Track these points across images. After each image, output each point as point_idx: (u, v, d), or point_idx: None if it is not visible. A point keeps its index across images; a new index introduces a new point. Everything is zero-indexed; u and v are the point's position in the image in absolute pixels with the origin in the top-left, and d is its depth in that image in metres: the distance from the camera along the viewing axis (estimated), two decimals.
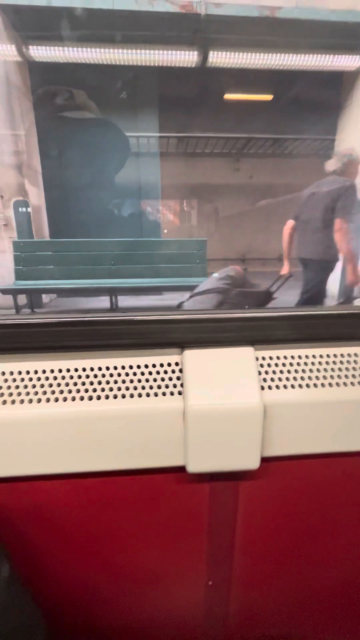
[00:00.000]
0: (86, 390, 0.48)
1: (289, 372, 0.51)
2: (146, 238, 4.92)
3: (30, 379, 0.48)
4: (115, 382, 0.49)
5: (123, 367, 0.50)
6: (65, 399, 0.47)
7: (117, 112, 4.88)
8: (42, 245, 3.88)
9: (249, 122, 6.34)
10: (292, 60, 4.31)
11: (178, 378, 0.50)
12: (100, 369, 0.50)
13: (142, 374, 0.50)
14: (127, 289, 3.96)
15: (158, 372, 0.50)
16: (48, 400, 0.47)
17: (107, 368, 0.50)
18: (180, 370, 0.51)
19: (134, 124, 4.95)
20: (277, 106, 6.05)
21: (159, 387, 0.49)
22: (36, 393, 0.47)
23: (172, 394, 0.49)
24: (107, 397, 0.48)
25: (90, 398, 0.47)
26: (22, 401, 0.46)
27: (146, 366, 0.51)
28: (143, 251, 3.90)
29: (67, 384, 0.48)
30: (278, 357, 0.53)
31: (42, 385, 0.48)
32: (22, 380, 0.48)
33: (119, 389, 0.49)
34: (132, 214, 5.58)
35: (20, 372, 0.49)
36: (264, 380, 0.50)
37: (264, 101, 6.03)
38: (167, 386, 0.49)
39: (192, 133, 6.41)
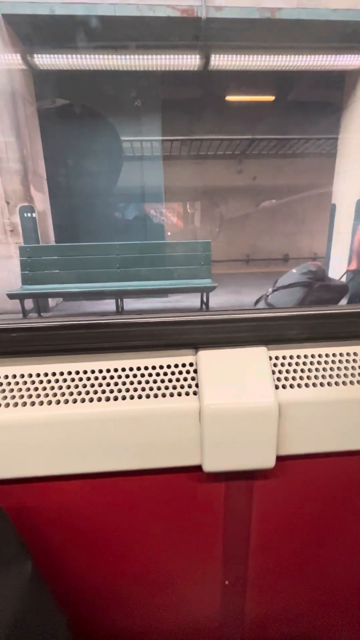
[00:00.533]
0: (103, 392, 0.49)
1: (302, 371, 0.52)
2: (150, 241, 4.94)
3: (49, 381, 0.50)
4: (132, 383, 0.50)
5: (138, 368, 0.51)
6: (83, 400, 0.48)
7: (121, 117, 4.93)
8: (48, 250, 3.93)
9: (251, 124, 6.36)
10: (294, 60, 4.32)
11: (193, 379, 0.51)
12: (116, 370, 0.51)
13: (158, 374, 0.51)
14: (133, 291, 3.98)
15: (173, 373, 0.51)
16: (67, 401, 0.48)
17: (123, 369, 0.51)
18: (195, 371, 0.51)
19: (138, 128, 4.99)
20: (279, 107, 6.06)
21: (174, 387, 0.50)
22: (55, 395, 0.48)
23: (187, 394, 0.49)
24: (123, 397, 0.49)
25: (108, 399, 0.48)
26: (41, 403, 0.48)
27: (161, 367, 0.52)
28: (148, 254, 3.93)
29: (84, 386, 0.49)
30: (291, 357, 0.53)
31: (60, 387, 0.49)
32: (41, 382, 0.49)
33: (135, 389, 0.49)
34: (136, 217, 5.62)
35: (38, 375, 0.50)
36: (278, 379, 0.51)
37: (266, 102, 6.05)
38: (182, 386, 0.50)
39: (195, 136, 6.45)
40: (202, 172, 7.91)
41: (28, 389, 0.49)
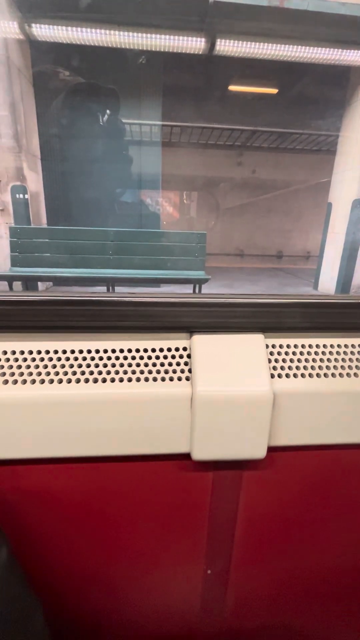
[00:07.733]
0: (91, 373, 0.46)
1: (299, 360, 0.50)
2: (145, 229, 4.86)
3: (34, 359, 0.47)
4: (122, 365, 0.47)
5: (130, 350, 0.49)
6: (69, 381, 0.45)
7: (121, 98, 4.77)
8: (40, 232, 3.81)
9: (253, 115, 6.27)
10: (300, 52, 4.24)
11: (186, 363, 0.49)
12: (106, 351, 0.48)
13: (149, 357, 0.48)
14: (125, 279, 3.92)
15: (165, 357, 0.49)
16: (52, 381, 0.45)
17: (114, 350, 0.48)
18: (189, 356, 0.49)
19: (137, 111, 4.85)
20: (282, 100, 5.98)
21: (167, 372, 0.48)
22: (39, 374, 0.45)
23: (179, 379, 0.47)
24: (112, 380, 0.46)
25: (96, 380, 0.46)
26: (24, 381, 0.45)
27: (153, 350, 0.49)
28: (142, 242, 3.86)
29: (71, 366, 0.47)
30: (289, 346, 0.51)
31: (45, 366, 0.46)
32: (25, 360, 0.46)
33: (125, 372, 0.47)
34: (131, 204, 5.50)
35: (22, 352, 0.47)
36: (274, 368, 0.49)
37: (269, 94, 5.96)
38: (174, 371, 0.48)
39: (195, 123, 6.31)
40: (201, 161, 7.78)
41: (11, 367, 0.46)
